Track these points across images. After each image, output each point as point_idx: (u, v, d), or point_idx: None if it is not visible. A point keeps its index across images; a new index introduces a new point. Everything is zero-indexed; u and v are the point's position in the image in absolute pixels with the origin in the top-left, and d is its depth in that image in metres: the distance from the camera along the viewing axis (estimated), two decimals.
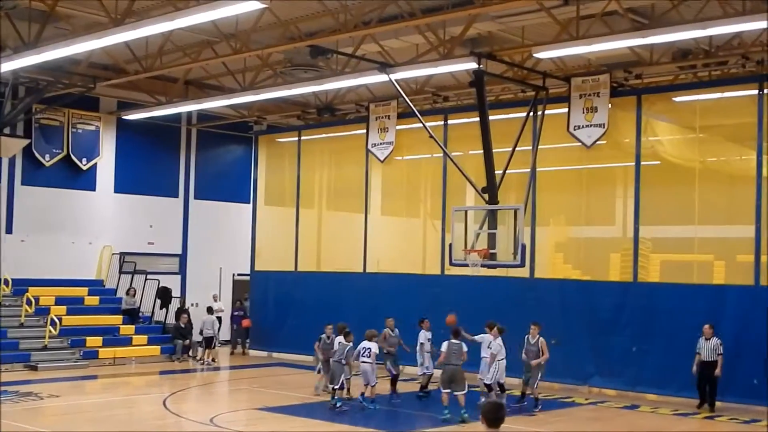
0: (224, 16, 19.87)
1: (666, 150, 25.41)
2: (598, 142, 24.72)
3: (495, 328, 21.62)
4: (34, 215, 31.85)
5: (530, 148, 25.33)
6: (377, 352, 21.49)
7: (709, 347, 21.64)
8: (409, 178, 30.71)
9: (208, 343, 30.92)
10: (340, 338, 21.79)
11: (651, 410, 22.30)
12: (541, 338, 21.51)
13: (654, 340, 23.74)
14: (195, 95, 31.30)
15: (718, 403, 21.92)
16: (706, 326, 21.72)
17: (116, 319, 31.81)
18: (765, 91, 22.31)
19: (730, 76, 24.76)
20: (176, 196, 36.52)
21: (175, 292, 35.11)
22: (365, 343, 21.34)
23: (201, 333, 31.28)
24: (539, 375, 21.42)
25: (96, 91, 30.28)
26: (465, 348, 20.13)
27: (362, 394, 21.33)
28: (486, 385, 21.45)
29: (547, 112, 25.37)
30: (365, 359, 21.15)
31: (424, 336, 23.38)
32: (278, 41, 23.63)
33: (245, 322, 34.06)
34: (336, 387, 20.85)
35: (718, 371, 21.45)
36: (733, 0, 19.76)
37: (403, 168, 30.74)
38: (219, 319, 32.52)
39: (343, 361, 21.03)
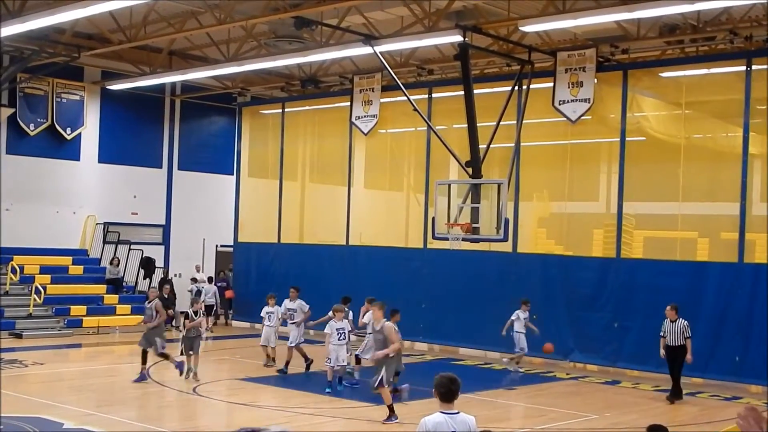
0: None
1: (651, 126, 25.34)
2: (583, 118, 24.62)
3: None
4: (18, 184, 31.69)
5: (515, 122, 25.23)
6: (350, 328, 20.33)
7: (675, 330, 19.96)
8: (393, 152, 30.62)
9: (209, 311, 31.33)
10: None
11: (632, 386, 22.38)
12: (386, 323, 17.47)
13: (636, 317, 23.76)
14: (179, 66, 31.14)
15: (698, 380, 21.98)
16: (669, 307, 20.10)
17: (100, 289, 31.96)
18: (752, 67, 22.19)
19: (718, 52, 24.62)
20: (160, 166, 36.40)
21: (159, 263, 35.11)
22: (335, 323, 20.05)
23: (203, 301, 31.81)
24: (392, 370, 17.49)
25: (80, 61, 30.09)
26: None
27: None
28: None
29: (532, 86, 25.22)
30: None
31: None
32: (262, 12, 23.45)
33: (228, 293, 34.20)
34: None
35: (689, 357, 19.86)
36: None
37: (387, 141, 30.66)
38: (199, 291, 32.78)
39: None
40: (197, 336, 21.34)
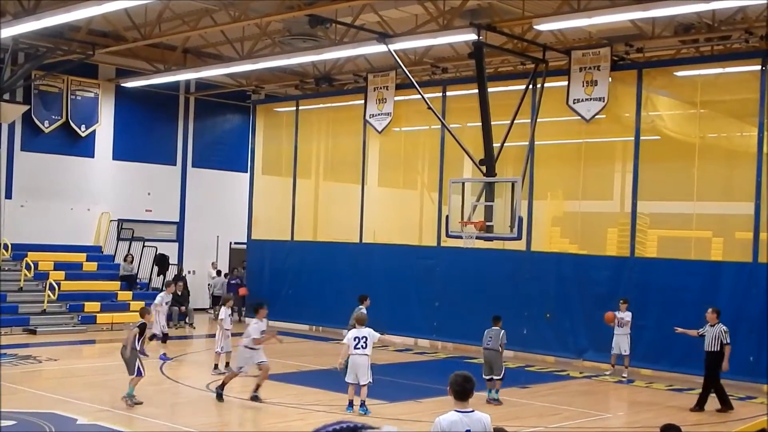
0: None
1: (666, 125, 25.31)
2: (597, 116, 24.60)
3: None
4: (33, 181, 31.93)
5: (529, 121, 25.23)
6: (375, 340, 17.46)
7: (712, 335, 18.80)
8: (407, 150, 30.61)
9: (216, 301, 31.69)
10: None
11: (645, 385, 22.31)
12: None
13: (649, 316, 23.67)
14: (193, 63, 31.24)
15: None
16: (710, 310, 18.99)
17: (114, 285, 32.07)
18: None
19: (733, 51, 24.59)
20: (174, 164, 36.50)
21: (173, 260, 35.21)
22: (356, 331, 17.37)
23: (212, 294, 32.02)
24: None
25: (95, 58, 30.23)
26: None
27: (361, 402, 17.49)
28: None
29: (546, 85, 25.24)
30: (359, 351, 17.17)
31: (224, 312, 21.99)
32: (277, 10, 23.50)
33: (242, 291, 34.22)
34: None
35: (725, 364, 18.65)
36: None
37: (401, 139, 30.66)
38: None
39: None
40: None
